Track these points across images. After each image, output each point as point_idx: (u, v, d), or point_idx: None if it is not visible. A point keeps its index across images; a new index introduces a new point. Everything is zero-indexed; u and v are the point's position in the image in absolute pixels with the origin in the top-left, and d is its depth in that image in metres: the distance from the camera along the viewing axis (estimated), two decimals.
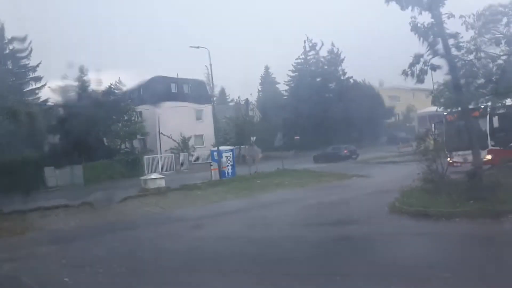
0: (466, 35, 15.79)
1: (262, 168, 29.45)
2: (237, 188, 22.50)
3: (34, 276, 9.57)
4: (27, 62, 38.94)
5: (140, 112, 42.30)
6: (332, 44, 55.20)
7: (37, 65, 38.44)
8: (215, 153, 28.29)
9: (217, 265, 9.42)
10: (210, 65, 32.62)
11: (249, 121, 47.50)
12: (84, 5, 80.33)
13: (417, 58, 13.82)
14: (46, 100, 37.80)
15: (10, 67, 37.81)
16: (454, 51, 13.94)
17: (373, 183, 20.17)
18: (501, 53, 17.30)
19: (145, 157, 38.23)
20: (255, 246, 11.01)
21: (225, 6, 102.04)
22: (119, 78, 41.64)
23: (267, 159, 35.46)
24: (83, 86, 39.05)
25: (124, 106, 39.21)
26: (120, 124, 38.80)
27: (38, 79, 38.64)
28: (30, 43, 38.27)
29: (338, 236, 11.06)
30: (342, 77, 54.95)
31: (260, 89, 69.96)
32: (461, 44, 14.61)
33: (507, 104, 16.90)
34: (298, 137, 39.93)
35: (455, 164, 17.51)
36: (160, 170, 34.95)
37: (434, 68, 13.65)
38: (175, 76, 47.31)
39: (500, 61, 16.74)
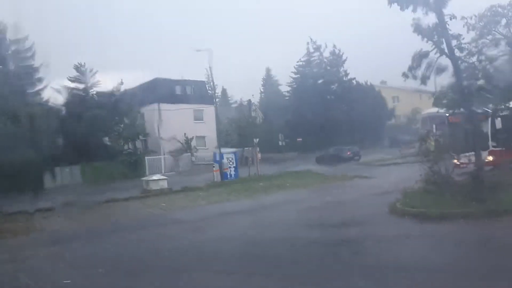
0: (467, 37, 15.81)
1: (264, 170, 29.43)
2: (239, 190, 22.48)
3: (34, 277, 9.57)
4: (29, 63, 38.98)
5: (143, 114, 42.39)
6: (334, 46, 55.21)
7: (39, 66, 38.50)
8: (217, 155, 28.34)
9: (219, 266, 9.39)
10: (210, 67, 32.80)
11: (252, 123, 47.41)
12: (85, 6, 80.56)
13: (420, 58, 13.80)
14: (47, 101, 37.88)
15: (12, 68, 37.84)
16: (456, 52, 13.94)
17: (375, 184, 20.14)
18: (501, 53, 17.32)
19: (147, 158, 38.28)
20: (256, 247, 10.97)
21: (227, 8, 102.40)
22: (121, 80, 41.81)
23: (270, 161, 35.45)
24: (85, 87, 39.21)
25: (125, 107, 39.28)
26: (122, 125, 38.89)
27: (40, 80, 38.69)
28: (32, 44, 38.36)
29: (339, 238, 11.01)
30: (344, 78, 54.86)
31: (262, 90, 70.08)
32: (463, 46, 14.61)
33: (510, 106, 16.88)
34: (300, 139, 39.89)
35: (461, 165, 17.45)
36: (162, 171, 34.94)
37: (441, 68, 13.62)
38: (178, 78, 47.42)
39: (500, 62, 16.75)
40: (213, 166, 28.51)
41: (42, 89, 39.02)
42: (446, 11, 13.17)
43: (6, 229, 15.83)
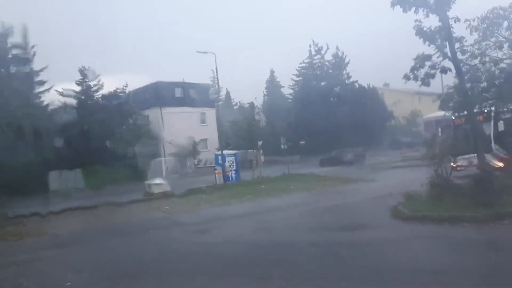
0: (470, 38, 15.79)
1: (267, 172, 29.36)
2: (242, 193, 22.39)
3: (36, 280, 9.59)
4: (31, 66, 39.01)
5: (147, 116, 42.43)
6: (337, 48, 55.28)
7: (41, 70, 38.48)
8: (219, 157, 28.31)
9: (222, 269, 9.42)
10: (216, 69, 32.73)
11: (255, 125, 47.38)
12: (88, 8, 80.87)
13: (422, 61, 13.76)
14: (49, 104, 37.94)
15: (13, 71, 37.86)
16: (459, 55, 13.92)
17: (378, 187, 20.06)
18: (504, 57, 17.27)
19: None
20: (259, 249, 11.00)
21: (230, 10, 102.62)
22: (126, 82, 41.98)
23: (273, 164, 35.40)
24: (90, 90, 39.23)
25: (128, 110, 39.33)
26: (124, 127, 38.90)
27: (42, 83, 38.71)
28: (33, 47, 38.33)
29: (342, 241, 11.02)
30: (346, 81, 54.85)
31: (265, 92, 70.14)
32: (465, 48, 14.60)
33: None
34: (303, 142, 39.81)
35: (458, 168, 17.41)
36: (164, 174, 34.90)
37: (444, 70, 13.56)
38: (180, 80, 47.49)
39: (503, 65, 16.70)
40: (215, 169, 28.45)
41: (45, 92, 39.13)
42: (450, 13, 13.15)
43: (10, 232, 15.99)
